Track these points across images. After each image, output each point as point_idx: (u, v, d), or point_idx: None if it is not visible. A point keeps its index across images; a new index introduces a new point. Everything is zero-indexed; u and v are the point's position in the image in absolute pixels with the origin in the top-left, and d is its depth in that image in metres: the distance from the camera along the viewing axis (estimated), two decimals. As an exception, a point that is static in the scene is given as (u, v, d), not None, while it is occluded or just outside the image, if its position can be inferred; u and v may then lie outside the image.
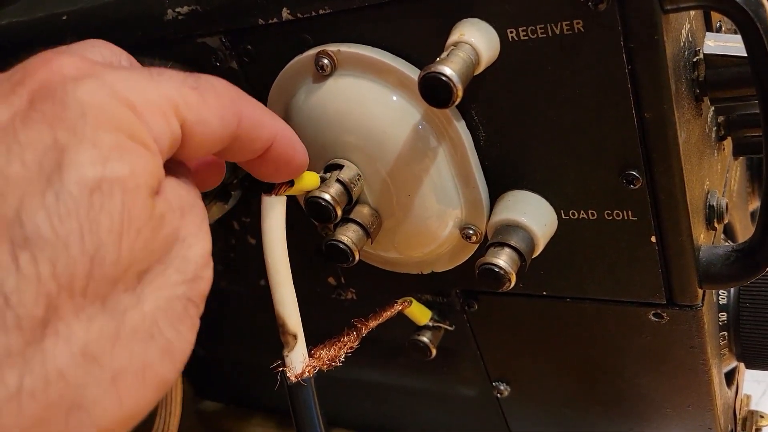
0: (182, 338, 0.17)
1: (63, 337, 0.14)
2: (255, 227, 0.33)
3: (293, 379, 0.24)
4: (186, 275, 0.17)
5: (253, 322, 0.39)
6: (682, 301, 0.25)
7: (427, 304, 0.31)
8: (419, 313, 0.30)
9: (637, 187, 0.23)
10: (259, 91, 0.27)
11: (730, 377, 0.32)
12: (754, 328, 0.29)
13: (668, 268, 0.25)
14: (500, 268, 0.23)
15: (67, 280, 0.14)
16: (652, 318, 0.26)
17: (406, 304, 0.29)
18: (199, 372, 0.47)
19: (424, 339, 0.30)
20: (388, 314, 0.28)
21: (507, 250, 0.24)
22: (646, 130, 0.22)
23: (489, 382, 0.33)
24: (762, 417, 0.33)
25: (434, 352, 0.30)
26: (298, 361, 0.24)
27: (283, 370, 0.24)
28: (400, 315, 0.30)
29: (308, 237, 0.31)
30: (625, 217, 0.24)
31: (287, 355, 0.24)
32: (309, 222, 0.29)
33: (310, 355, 0.25)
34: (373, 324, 0.28)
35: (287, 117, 0.26)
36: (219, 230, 0.35)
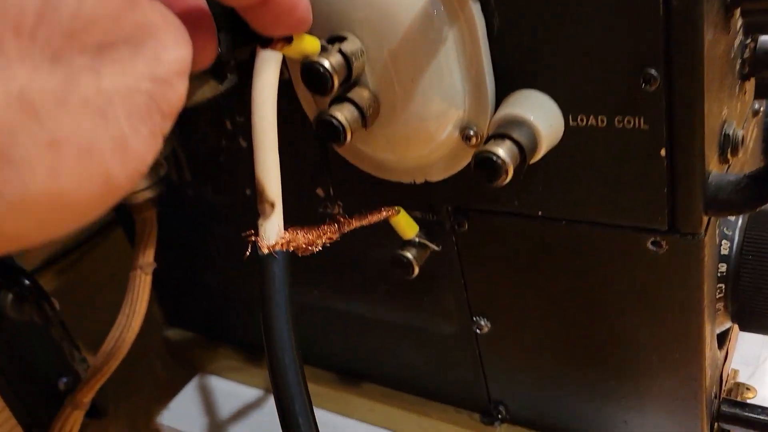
0: (139, 139, 0.16)
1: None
2: (248, 129, 0.32)
3: (265, 250, 0.23)
4: (155, 72, 0.16)
5: (231, 246, 0.37)
6: (684, 228, 0.24)
7: (417, 222, 0.29)
8: (406, 225, 0.28)
9: (653, 89, 0.22)
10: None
11: (722, 339, 0.31)
12: (754, 283, 0.27)
13: (674, 188, 0.23)
14: (498, 157, 0.22)
15: (14, 13, 0.13)
16: (650, 246, 0.25)
17: (394, 212, 0.28)
18: (170, 298, 0.46)
19: (408, 255, 0.29)
20: (373, 218, 0.27)
21: (508, 142, 0.22)
22: (671, 21, 0.20)
23: (469, 317, 0.31)
24: (748, 389, 0.32)
25: (417, 270, 0.29)
26: (272, 231, 0.23)
27: (255, 239, 0.23)
28: (387, 235, 0.28)
29: (303, 145, 0.30)
30: (637, 125, 0.23)
31: (261, 224, 0.23)
32: (304, 127, 0.28)
33: (288, 232, 0.23)
34: (356, 223, 0.26)
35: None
36: (210, 130, 0.34)
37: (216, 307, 0.43)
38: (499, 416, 0.34)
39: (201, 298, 0.43)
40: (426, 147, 0.26)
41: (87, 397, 0.35)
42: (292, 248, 0.24)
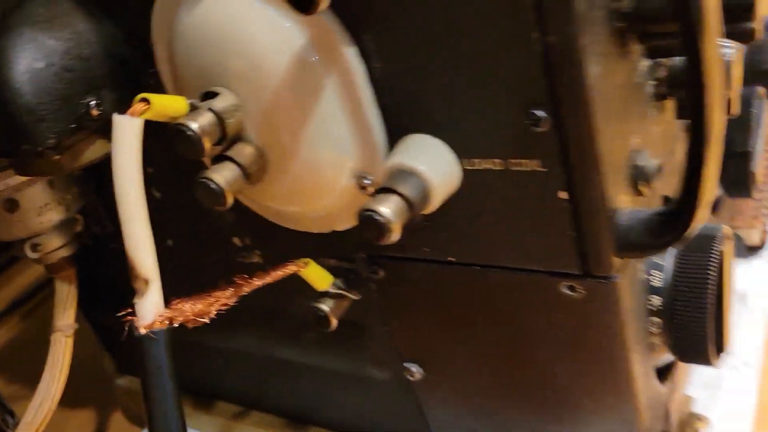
0: None
1: None
2: (162, 178, 0.30)
3: (142, 330, 0.21)
4: None
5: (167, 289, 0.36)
6: (596, 272, 0.22)
7: (334, 271, 0.28)
8: (317, 276, 0.27)
9: (543, 129, 0.20)
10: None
11: (665, 373, 0.29)
12: (689, 314, 0.26)
13: (581, 230, 0.22)
14: (381, 215, 0.20)
15: None
16: (566, 291, 0.23)
17: (302, 264, 0.26)
18: (120, 346, 0.44)
19: (324, 307, 0.27)
20: (278, 274, 0.25)
21: (394, 197, 0.21)
22: (551, 59, 0.19)
23: (400, 364, 0.30)
24: (699, 420, 0.30)
25: (334, 323, 0.27)
26: (149, 310, 0.21)
27: (132, 319, 0.21)
28: (306, 283, 0.27)
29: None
30: (532, 168, 0.21)
31: (137, 303, 0.21)
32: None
33: (170, 307, 0.22)
34: (258, 282, 0.25)
35: (170, 37, 0.23)
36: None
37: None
38: (447, 460, 0.32)
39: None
40: (325, 198, 0.24)
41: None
42: (177, 323, 0.22)
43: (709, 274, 0.25)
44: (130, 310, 0.21)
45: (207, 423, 0.41)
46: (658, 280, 0.26)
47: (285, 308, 0.31)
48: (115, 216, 0.34)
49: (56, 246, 0.32)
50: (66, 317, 0.32)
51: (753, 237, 0.40)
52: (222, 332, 0.35)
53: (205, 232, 0.31)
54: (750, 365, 0.36)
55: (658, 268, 0.26)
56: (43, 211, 0.30)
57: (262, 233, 0.29)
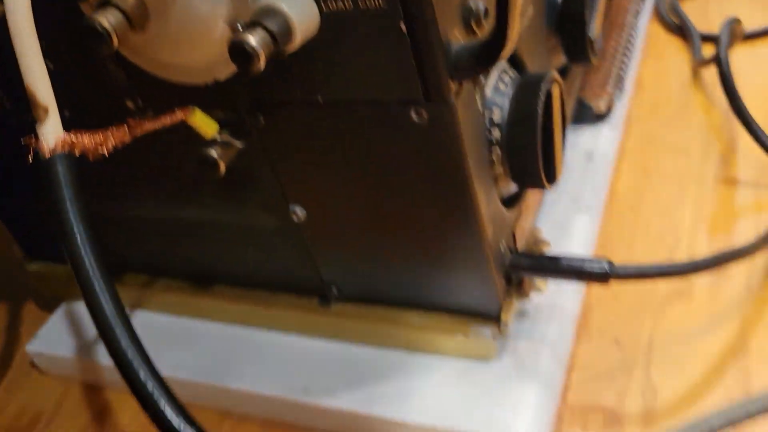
0: None
1: None
2: (53, 49, 0.32)
3: (47, 154, 0.24)
4: None
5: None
6: (436, 97, 0.27)
7: (222, 122, 0.31)
8: (204, 124, 0.30)
9: (381, -31, 0.24)
10: None
11: (513, 201, 0.34)
12: (521, 144, 0.31)
13: (420, 59, 0.26)
14: (248, 44, 0.24)
15: None
16: (414, 117, 0.27)
17: (189, 111, 0.29)
18: (28, 231, 0.46)
19: (213, 153, 0.31)
20: (167, 120, 0.29)
21: (259, 29, 0.24)
22: None
23: (286, 207, 0.34)
24: (544, 243, 0.36)
25: (223, 167, 0.31)
26: (51, 135, 0.24)
27: (35, 146, 0.24)
28: (194, 137, 0.30)
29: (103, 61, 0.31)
30: (376, 5, 0.25)
31: (39, 130, 0.24)
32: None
33: (70, 134, 0.25)
34: (149, 126, 0.28)
35: None
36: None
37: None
38: (333, 297, 0.37)
39: (54, 226, 0.44)
40: (204, 46, 0.27)
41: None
42: (77, 151, 0.25)
43: (536, 108, 0.30)
44: (32, 137, 0.24)
45: (122, 294, 0.44)
46: (497, 115, 0.31)
47: (177, 164, 0.34)
48: (12, 91, 0.36)
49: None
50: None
51: (600, 105, 0.46)
52: (122, 200, 0.38)
53: (99, 100, 0.33)
54: (593, 210, 0.42)
55: (498, 105, 0.31)
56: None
57: (153, 92, 0.32)
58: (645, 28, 0.58)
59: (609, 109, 0.47)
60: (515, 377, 0.34)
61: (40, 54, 0.23)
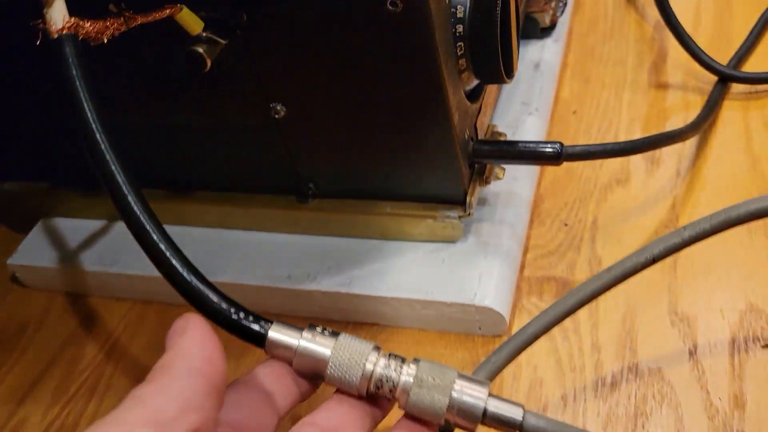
0: None
1: None
2: None
3: (54, 34, 0.26)
4: None
5: (42, 85, 0.39)
6: (414, -13, 0.29)
7: (206, 20, 0.33)
8: (191, 20, 0.32)
9: None
10: None
11: (475, 95, 0.38)
12: (482, 38, 0.34)
13: (396, -49, 0.29)
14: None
15: None
16: (390, 7, 0.30)
17: (177, 8, 0.31)
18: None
19: (198, 49, 0.33)
20: (157, 15, 0.31)
21: None
22: None
23: (266, 104, 0.36)
24: (501, 134, 0.40)
25: (209, 63, 0.33)
26: (58, 17, 0.26)
27: (42, 26, 0.26)
28: (179, 36, 0.32)
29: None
30: None
31: (47, 12, 0.26)
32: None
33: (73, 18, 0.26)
34: (141, 19, 0.30)
35: None
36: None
37: (46, 151, 0.45)
38: (310, 193, 0.40)
39: (28, 145, 0.45)
40: (192, -58, 0.29)
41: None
42: (80, 34, 0.27)
43: (495, 3, 0.33)
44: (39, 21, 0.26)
45: (99, 207, 0.46)
46: (461, 12, 0.34)
47: (163, 65, 0.36)
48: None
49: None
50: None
51: (545, 19, 0.50)
52: (108, 107, 0.40)
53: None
54: (541, 111, 0.46)
55: (463, 4, 0.34)
56: None
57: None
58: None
59: (553, 24, 0.51)
60: (480, 254, 0.38)
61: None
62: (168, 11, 0.31)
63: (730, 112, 0.45)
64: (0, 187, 0.48)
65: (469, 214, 0.38)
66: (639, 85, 0.49)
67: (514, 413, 0.24)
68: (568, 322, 0.35)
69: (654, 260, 0.30)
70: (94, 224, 0.47)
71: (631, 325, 0.36)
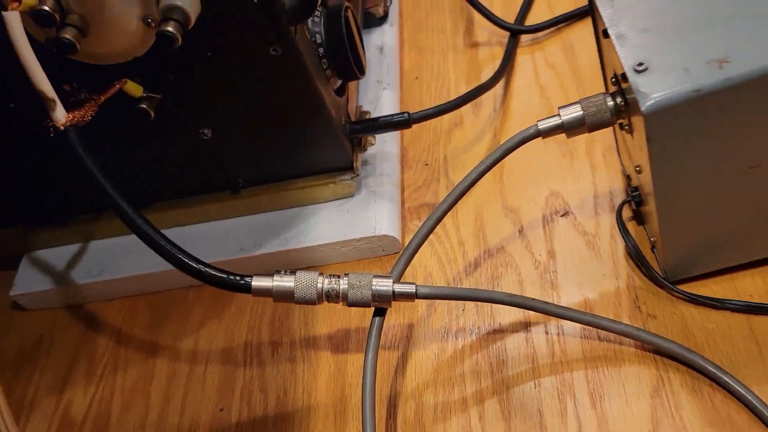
0: None
1: None
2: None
3: (62, 127, 0.39)
4: None
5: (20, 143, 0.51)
6: (284, 38, 0.44)
7: (143, 84, 0.46)
8: (133, 88, 0.45)
9: (236, -31, 0.40)
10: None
11: (341, 91, 0.53)
12: (333, 52, 0.49)
13: (272, 18, 0.42)
14: (171, 32, 0.39)
15: None
16: (272, 52, 0.44)
17: (122, 82, 0.44)
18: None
19: (144, 105, 0.46)
20: (112, 91, 0.43)
21: (172, 22, 0.39)
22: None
23: (197, 130, 0.49)
24: (367, 113, 0.55)
25: (153, 114, 0.46)
26: (61, 116, 0.39)
27: (53, 125, 0.38)
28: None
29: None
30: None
31: (52, 115, 0.38)
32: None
33: (69, 112, 0.39)
34: (103, 97, 0.43)
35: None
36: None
37: (22, 203, 0.57)
38: (240, 185, 0.54)
39: (6, 200, 0.56)
40: (128, 37, 0.42)
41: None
42: (76, 122, 0.40)
43: (341, 27, 0.48)
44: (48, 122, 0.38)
45: (66, 233, 0.58)
46: (319, 39, 0.48)
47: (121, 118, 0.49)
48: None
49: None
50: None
51: (379, 11, 0.65)
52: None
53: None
54: (392, 85, 0.62)
55: (318, 32, 0.48)
56: None
57: (84, 77, 0.46)
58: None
59: (386, 12, 0.66)
60: (371, 200, 0.54)
61: (39, 66, 0.37)
62: (118, 86, 0.44)
63: (522, 56, 0.63)
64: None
65: (357, 175, 0.53)
66: (458, 47, 0.66)
67: (410, 288, 0.40)
68: (439, 230, 0.51)
69: (481, 176, 0.47)
70: (69, 248, 0.58)
71: (481, 222, 0.53)
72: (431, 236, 0.50)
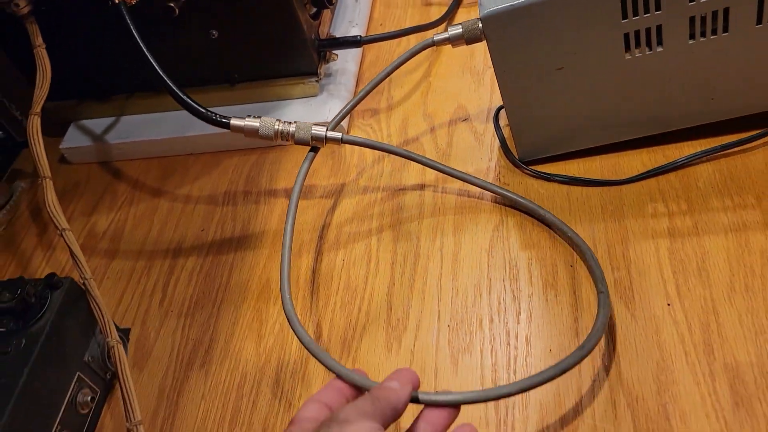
0: None
1: None
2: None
3: (116, 2, 0.58)
4: None
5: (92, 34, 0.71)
6: (272, -35, 0.63)
7: (171, -8, 0.66)
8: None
9: None
10: None
11: (315, 16, 0.72)
12: (313, -14, 0.68)
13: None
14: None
15: None
16: (264, -24, 0.64)
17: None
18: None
19: (171, 4, 0.65)
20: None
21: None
22: None
23: (208, 31, 0.69)
24: (333, 35, 0.75)
25: (177, 11, 0.66)
26: (116, -5, 0.58)
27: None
28: None
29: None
30: (242, -72, 0.61)
31: (111, -6, 0.58)
32: None
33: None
34: (146, -8, 0.63)
35: None
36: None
37: (76, 80, 0.77)
38: (236, 78, 0.74)
39: (64, 77, 0.76)
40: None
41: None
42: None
43: (317, -32, 0.68)
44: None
45: (107, 108, 0.78)
46: (300, -26, 0.68)
47: (150, 15, 0.69)
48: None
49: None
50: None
51: (358, -29, 0.85)
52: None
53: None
54: (360, 25, 0.81)
55: (300, -31, 0.68)
56: None
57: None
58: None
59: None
60: (329, 99, 0.73)
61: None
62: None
63: (462, 15, 0.82)
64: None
65: (320, 79, 0.73)
66: (416, 4, 0.85)
67: (337, 135, 0.59)
68: (374, 124, 0.71)
69: (391, 71, 0.66)
70: (107, 120, 0.79)
71: (406, 122, 0.72)
72: (367, 128, 0.70)
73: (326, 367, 0.46)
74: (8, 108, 0.71)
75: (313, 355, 0.47)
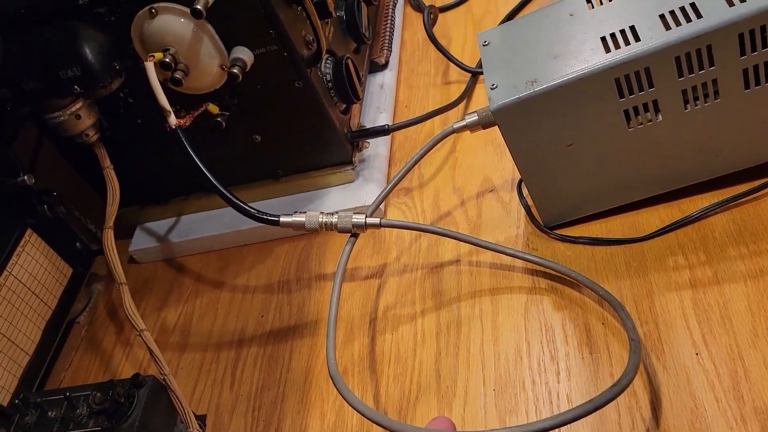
0: None
1: None
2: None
3: (174, 126, 0.67)
4: None
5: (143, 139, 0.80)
6: (304, 75, 0.71)
7: (219, 105, 0.74)
8: (213, 108, 0.73)
9: (274, 36, 0.68)
10: (127, 28, 0.68)
11: (345, 111, 0.80)
12: (340, 85, 0.76)
13: (295, 65, 0.70)
14: (235, 73, 0.67)
15: None
16: (297, 85, 0.72)
17: (207, 104, 0.72)
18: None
19: (219, 119, 0.74)
20: (200, 109, 0.72)
21: (236, 67, 0.68)
22: None
23: (251, 136, 0.77)
24: (363, 125, 0.82)
25: (224, 124, 0.74)
26: (173, 121, 0.67)
27: (168, 125, 0.67)
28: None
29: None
30: (272, 48, 0.69)
31: (168, 119, 0.67)
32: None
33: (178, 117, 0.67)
34: (195, 113, 0.71)
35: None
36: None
37: (138, 188, 0.85)
38: (279, 175, 0.81)
39: (129, 187, 0.85)
40: (212, 78, 0.70)
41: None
42: (181, 125, 0.68)
43: (342, 70, 0.75)
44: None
45: (166, 210, 0.86)
46: (328, 77, 0.76)
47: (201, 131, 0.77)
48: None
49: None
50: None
51: (381, 60, 0.92)
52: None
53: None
54: (387, 110, 0.88)
55: (328, 72, 0.76)
56: (86, 119, 0.73)
57: (185, 101, 0.74)
58: (401, 9, 1.05)
59: (387, 61, 0.93)
60: (365, 184, 0.80)
61: (163, 92, 0.65)
62: (204, 107, 0.72)
63: (479, 91, 0.88)
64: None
65: (355, 166, 0.80)
66: (437, 85, 0.92)
67: (376, 220, 0.66)
68: (408, 202, 0.77)
69: (421, 157, 0.73)
70: (168, 221, 0.87)
71: (437, 197, 0.78)
72: (402, 206, 0.76)
73: (381, 425, 0.51)
74: (84, 222, 0.80)
75: (363, 415, 0.53)
